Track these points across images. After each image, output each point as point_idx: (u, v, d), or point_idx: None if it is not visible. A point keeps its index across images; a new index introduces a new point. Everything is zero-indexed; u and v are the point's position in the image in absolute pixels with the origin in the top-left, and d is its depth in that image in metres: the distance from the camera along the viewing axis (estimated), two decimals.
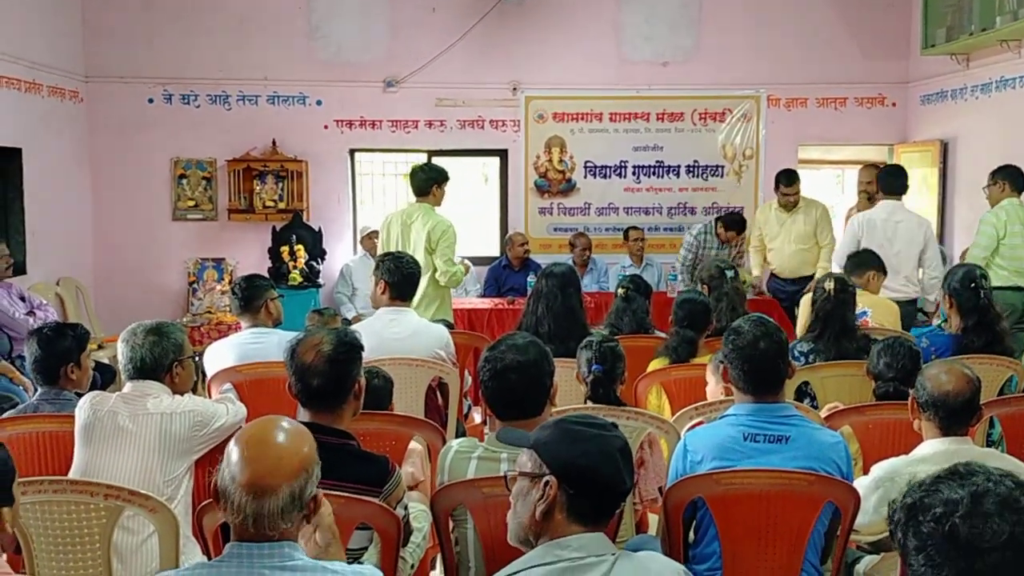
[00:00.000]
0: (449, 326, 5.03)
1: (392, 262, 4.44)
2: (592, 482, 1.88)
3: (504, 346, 2.63)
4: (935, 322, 5.31)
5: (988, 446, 3.56)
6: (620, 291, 4.85)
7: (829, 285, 4.21)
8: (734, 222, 7.35)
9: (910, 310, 5.93)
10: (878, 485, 2.74)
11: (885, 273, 5.18)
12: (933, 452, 2.72)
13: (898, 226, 5.98)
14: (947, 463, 1.48)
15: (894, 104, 8.42)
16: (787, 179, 7.06)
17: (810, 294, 4.65)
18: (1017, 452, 3.22)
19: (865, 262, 5.14)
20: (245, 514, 1.79)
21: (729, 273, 4.89)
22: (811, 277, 6.56)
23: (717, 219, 7.42)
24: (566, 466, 1.88)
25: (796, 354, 4.11)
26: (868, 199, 7.05)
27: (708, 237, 7.39)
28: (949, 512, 1.32)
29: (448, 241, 5.65)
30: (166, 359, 3.15)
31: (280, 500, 1.80)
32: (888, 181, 6.22)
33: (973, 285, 4.28)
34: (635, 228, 8.08)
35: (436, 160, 8.43)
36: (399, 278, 4.38)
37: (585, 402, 3.42)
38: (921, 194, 7.90)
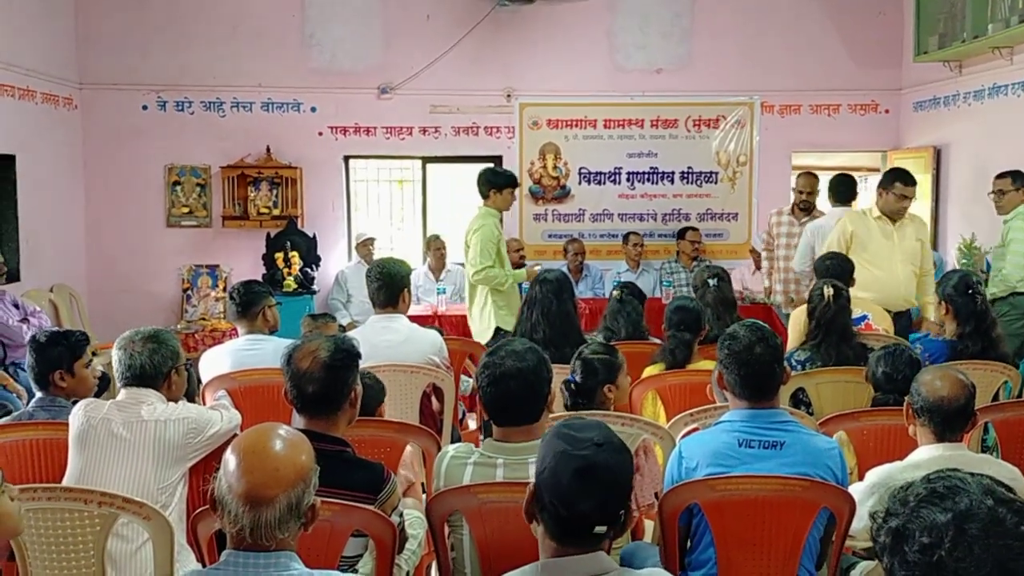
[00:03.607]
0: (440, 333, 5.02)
1: (375, 270, 4.46)
2: (550, 498, 1.80)
3: (503, 352, 2.63)
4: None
5: (983, 452, 3.57)
6: (615, 293, 4.92)
7: (828, 291, 4.22)
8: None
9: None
10: (873, 491, 2.73)
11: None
12: (928, 458, 2.72)
13: None
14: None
15: (887, 111, 8.45)
16: (907, 177, 5.55)
17: (800, 307, 4.66)
18: (1012, 458, 3.23)
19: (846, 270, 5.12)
20: (242, 524, 1.79)
21: (712, 282, 4.92)
22: (907, 313, 5.56)
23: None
24: (538, 475, 1.85)
25: (793, 363, 4.12)
26: (803, 208, 6.81)
27: (673, 265, 8.01)
28: (935, 544, 1.32)
29: (477, 240, 5.73)
30: (165, 366, 3.15)
31: (277, 511, 1.79)
32: (839, 191, 6.37)
33: (970, 291, 4.29)
34: (635, 233, 8.13)
35: (430, 167, 8.48)
36: (380, 284, 4.39)
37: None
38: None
